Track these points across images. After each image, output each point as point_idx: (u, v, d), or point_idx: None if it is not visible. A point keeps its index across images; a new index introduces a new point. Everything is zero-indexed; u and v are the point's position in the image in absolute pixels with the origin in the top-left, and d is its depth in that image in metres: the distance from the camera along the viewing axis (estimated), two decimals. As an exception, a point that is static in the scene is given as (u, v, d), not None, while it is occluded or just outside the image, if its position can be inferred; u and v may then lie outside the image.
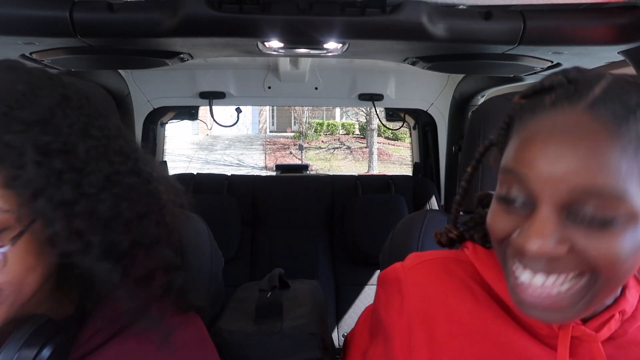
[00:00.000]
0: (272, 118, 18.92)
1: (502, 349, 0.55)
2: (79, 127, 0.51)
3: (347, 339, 0.83)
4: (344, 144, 16.07)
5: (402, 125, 2.40)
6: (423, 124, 2.22)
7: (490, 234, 0.52)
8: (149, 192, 0.58)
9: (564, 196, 0.43)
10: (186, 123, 3.71)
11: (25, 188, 0.46)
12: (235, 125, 2.10)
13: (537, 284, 0.46)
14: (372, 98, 1.97)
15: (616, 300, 0.53)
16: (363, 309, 0.80)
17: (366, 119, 14.05)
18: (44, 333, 0.52)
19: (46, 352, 0.51)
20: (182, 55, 1.13)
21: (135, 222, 0.54)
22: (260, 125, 18.52)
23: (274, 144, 16.10)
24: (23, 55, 1.04)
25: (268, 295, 1.07)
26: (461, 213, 0.71)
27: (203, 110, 2.18)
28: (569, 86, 0.47)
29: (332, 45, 1.01)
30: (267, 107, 17.09)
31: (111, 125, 0.57)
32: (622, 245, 0.43)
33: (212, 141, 16.30)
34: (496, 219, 0.50)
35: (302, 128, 16.56)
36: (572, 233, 0.44)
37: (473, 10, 0.88)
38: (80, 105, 0.54)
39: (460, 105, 1.89)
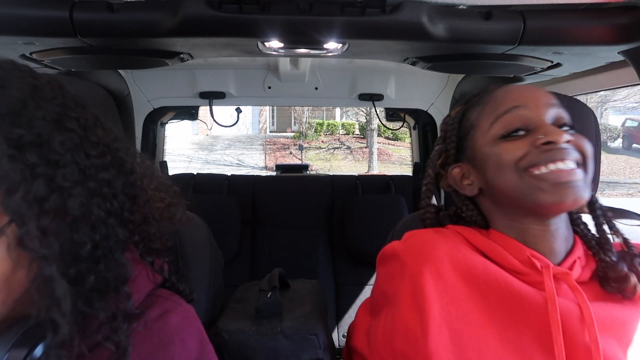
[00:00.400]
0: (272, 118, 18.91)
1: (501, 291, 0.65)
2: (52, 118, 0.49)
3: (350, 328, 0.86)
4: (344, 144, 16.06)
5: (402, 125, 2.40)
6: (423, 124, 2.22)
7: (504, 165, 0.67)
8: (130, 183, 0.56)
9: (552, 112, 0.68)
10: (186, 123, 3.71)
11: None
12: (235, 125, 2.09)
13: (569, 166, 0.64)
14: (372, 98, 1.97)
15: (572, 249, 0.70)
16: (363, 309, 0.82)
17: (366, 119, 14.04)
18: (36, 333, 0.50)
19: (38, 352, 0.50)
20: (182, 55, 1.13)
21: (102, 222, 0.52)
22: (260, 125, 18.51)
23: (274, 144, 16.09)
24: (23, 55, 1.04)
25: (268, 296, 1.07)
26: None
27: (203, 110, 2.18)
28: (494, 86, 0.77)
29: (332, 45, 1.01)
30: (267, 107, 17.07)
31: (88, 116, 0.55)
32: (587, 142, 0.67)
33: (212, 141, 16.29)
34: (507, 151, 0.67)
35: (302, 128, 16.54)
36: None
37: (473, 10, 0.88)
38: (53, 95, 0.52)
39: (460, 105, 1.88)
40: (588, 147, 0.67)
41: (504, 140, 0.68)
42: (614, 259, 0.69)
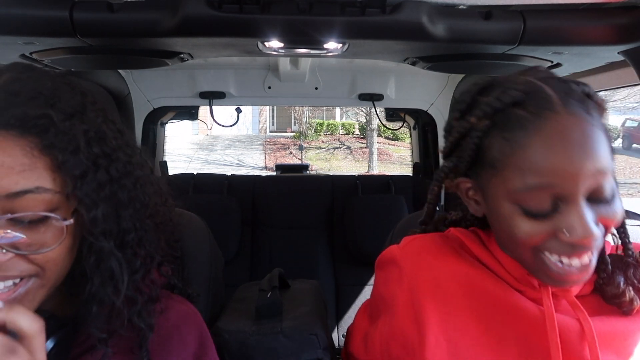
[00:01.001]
0: (272, 118, 18.90)
1: (498, 304, 0.62)
2: (102, 119, 0.56)
3: (348, 330, 0.84)
4: (344, 144, 16.05)
5: (402, 125, 2.40)
6: (423, 124, 2.22)
7: (518, 242, 0.58)
8: (151, 182, 0.62)
9: (591, 183, 0.53)
10: (186, 123, 3.71)
11: (74, 171, 0.50)
12: (235, 125, 2.10)
13: (585, 261, 0.56)
14: (372, 98, 1.97)
15: None
16: (363, 308, 0.81)
17: (366, 119, 14.03)
18: (47, 327, 0.52)
19: (48, 345, 0.52)
20: (182, 55, 1.13)
21: (139, 213, 0.58)
22: (260, 125, 18.50)
23: (274, 144, 16.09)
24: (23, 55, 1.04)
25: (268, 295, 1.07)
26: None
27: (203, 110, 2.18)
28: (529, 96, 0.57)
29: (332, 45, 1.01)
30: (267, 107, 17.06)
31: (116, 119, 0.61)
32: (618, 213, 0.56)
33: (212, 141, 16.28)
34: (525, 232, 0.56)
35: (302, 128, 16.54)
36: (597, 210, 0.54)
37: (473, 10, 0.88)
38: (94, 100, 0.58)
39: (460, 105, 1.88)
40: (617, 220, 0.57)
41: (525, 214, 0.56)
42: (605, 275, 0.64)
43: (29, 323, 0.45)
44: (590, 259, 0.56)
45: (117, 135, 0.58)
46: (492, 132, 0.59)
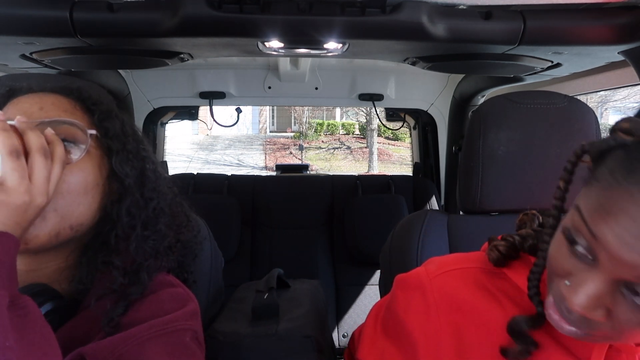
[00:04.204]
0: (272, 118, 18.91)
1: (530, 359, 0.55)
2: (125, 120, 0.70)
3: (356, 336, 0.82)
4: (344, 144, 16.06)
5: (402, 125, 2.40)
6: (423, 124, 2.22)
7: (548, 264, 0.50)
8: (153, 170, 0.71)
9: (625, 274, 0.41)
10: (186, 123, 3.71)
11: (108, 131, 0.65)
12: (235, 125, 2.10)
13: (569, 330, 0.47)
14: (372, 98, 1.97)
15: None
16: (363, 309, 0.79)
17: (366, 119, 14.04)
18: (42, 295, 0.56)
19: (46, 308, 0.55)
20: (182, 55, 1.13)
21: (156, 191, 0.68)
22: (260, 125, 18.51)
23: (274, 144, 16.09)
24: (23, 55, 1.04)
25: (264, 297, 1.07)
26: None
27: (203, 110, 2.18)
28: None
29: (332, 45, 1.01)
30: (267, 107, 17.07)
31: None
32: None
33: (212, 141, 16.29)
34: (559, 254, 0.47)
35: (302, 128, 16.55)
36: (616, 304, 0.43)
37: (473, 10, 0.88)
38: (116, 112, 0.71)
39: (460, 105, 1.89)
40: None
41: (564, 234, 0.47)
42: None
43: (37, 139, 0.52)
44: (586, 333, 0.47)
45: (132, 125, 0.72)
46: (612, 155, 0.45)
